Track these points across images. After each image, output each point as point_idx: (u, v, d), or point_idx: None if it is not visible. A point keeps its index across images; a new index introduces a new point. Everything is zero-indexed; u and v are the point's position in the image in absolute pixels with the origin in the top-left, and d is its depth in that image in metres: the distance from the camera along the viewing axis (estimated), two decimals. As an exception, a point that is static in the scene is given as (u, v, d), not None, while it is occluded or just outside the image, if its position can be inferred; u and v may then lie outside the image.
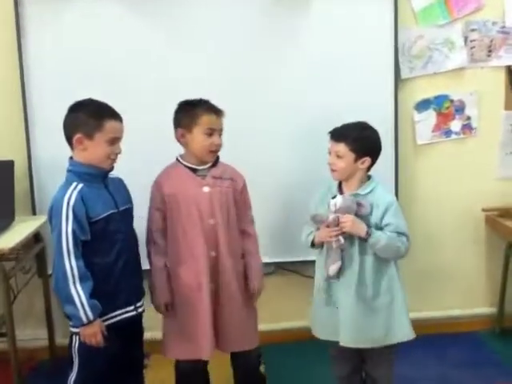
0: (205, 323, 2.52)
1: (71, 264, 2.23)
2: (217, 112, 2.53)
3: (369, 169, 2.50)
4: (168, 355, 2.64)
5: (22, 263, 2.92)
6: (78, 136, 2.29)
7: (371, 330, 2.45)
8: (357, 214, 2.41)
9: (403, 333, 2.47)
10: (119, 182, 2.51)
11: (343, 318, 2.46)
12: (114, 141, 2.34)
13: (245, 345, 2.64)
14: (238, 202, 2.63)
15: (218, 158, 2.60)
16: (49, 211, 2.32)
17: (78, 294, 2.23)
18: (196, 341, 2.54)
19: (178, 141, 2.56)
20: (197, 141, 2.51)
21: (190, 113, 2.52)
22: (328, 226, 2.42)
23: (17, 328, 2.87)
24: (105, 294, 2.31)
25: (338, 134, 2.48)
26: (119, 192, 2.46)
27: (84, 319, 2.24)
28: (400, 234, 2.41)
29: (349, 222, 2.38)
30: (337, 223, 2.40)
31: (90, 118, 2.29)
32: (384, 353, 2.51)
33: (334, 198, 2.43)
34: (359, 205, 2.41)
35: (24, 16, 3.00)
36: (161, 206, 2.56)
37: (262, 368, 2.84)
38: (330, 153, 2.50)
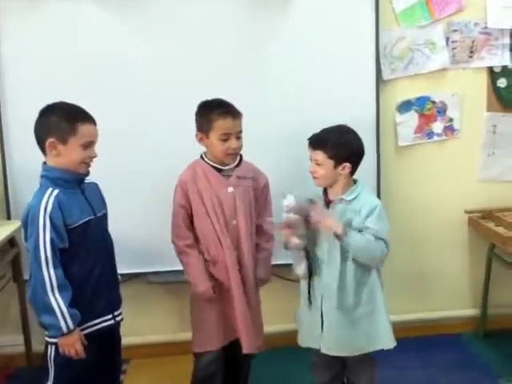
0: (244, 318, 2.57)
1: (49, 273, 2.17)
2: (233, 115, 2.53)
3: (352, 173, 2.46)
4: (209, 347, 2.63)
5: (-3, 269, 2.87)
6: (50, 140, 2.22)
7: (353, 338, 2.44)
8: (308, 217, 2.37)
9: (384, 341, 2.45)
10: (95, 187, 2.46)
11: (326, 326, 2.44)
12: (89, 145, 2.28)
13: (258, 345, 2.66)
14: (259, 199, 2.67)
15: (241, 156, 2.63)
16: (24, 219, 2.25)
17: (58, 303, 2.18)
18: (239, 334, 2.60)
19: (199, 142, 2.59)
20: (213, 145, 2.55)
21: (205, 117, 2.55)
22: (289, 227, 2.37)
23: (-7, 334, 2.83)
24: (82, 303, 2.26)
25: (315, 142, 2.44)
26: (95, 197, 2.41)
27: (64, 329, 2.19)
28: (378, 239, 2.36)
29: (326, 218, 2.36)
30: (289, 225, 2.36)
31: (62, 121, 2.22)
32: (365, 359, 2.50)
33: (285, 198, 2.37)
34: (312, 202, 2.38)
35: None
36: (185, 203, 2.58)
37: None
38: (311, 160, 2.47)
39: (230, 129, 2.52)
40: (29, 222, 2.22)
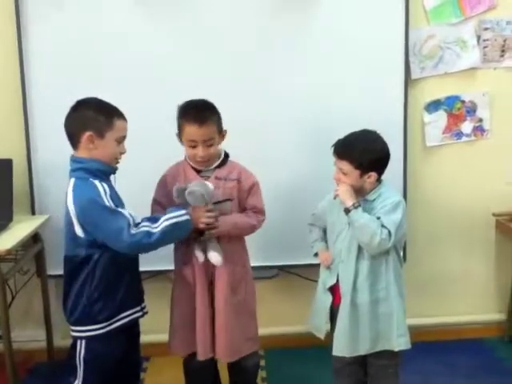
0: (201, 326, 2.47)
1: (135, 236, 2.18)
2: (200, 122, 2.40)
3: (378, 179, 2.40)
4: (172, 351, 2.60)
5: (21, 264, 2.87)
6: (88, 134, 2.22)
7: (363, 337, 2.39)
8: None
9: (396, 342, 2.39)
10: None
11: (337, 327, 2.41)
12: (122, 140, 2.31)
13: (237, 353, 2.55)
14: (244, 203, 2.55)
15: (226, 158, 2.55)
16: (80, 212, 2.20)
17: (163, 225, 2.22)
18: (195, 341, 2.50)
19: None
20: (186, 149, 2.49)
21: (178, 120, 2.47)
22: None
23: (15, 329, 2.85)
24: (121, 293, 2.30)
25: (340, 151, 2.37)
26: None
27: (185, 217, 2.27)
28: (383, 226, 2.30)
29: (342, 188, 2.37)
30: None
31: (100, 115, 2.23)
32: (388, 367, 2.45)
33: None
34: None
35: (25, 12, 2.93)
36: (162, 199, 2.52)
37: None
38: (335, 165, 2.41)
39: (195, 136, 2.40)
40: (92, 211, 2.19)
